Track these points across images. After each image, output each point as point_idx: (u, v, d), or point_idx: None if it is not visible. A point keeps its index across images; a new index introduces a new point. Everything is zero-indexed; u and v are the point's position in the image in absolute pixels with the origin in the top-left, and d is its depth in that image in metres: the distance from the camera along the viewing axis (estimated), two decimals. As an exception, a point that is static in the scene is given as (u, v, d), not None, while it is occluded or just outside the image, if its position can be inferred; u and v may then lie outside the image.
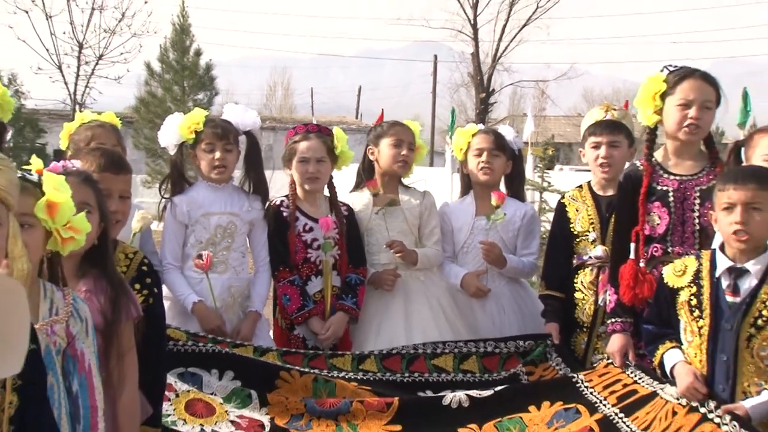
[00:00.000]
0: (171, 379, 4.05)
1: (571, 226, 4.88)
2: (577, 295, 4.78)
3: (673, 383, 3.80)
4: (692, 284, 3.80)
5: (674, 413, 3.75)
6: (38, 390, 2.50)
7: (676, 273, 3.88)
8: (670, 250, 4.16)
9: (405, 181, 5.37)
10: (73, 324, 2.95)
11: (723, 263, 3.74)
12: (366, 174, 5.23)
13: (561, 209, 5.03)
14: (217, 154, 4.76)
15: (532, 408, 4.23)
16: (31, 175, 2.90)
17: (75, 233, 2.88)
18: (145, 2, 30.72)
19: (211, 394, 4.25)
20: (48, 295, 2.90)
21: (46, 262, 2.93)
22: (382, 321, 5.00)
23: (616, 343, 4.21)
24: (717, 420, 3.57)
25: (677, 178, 4.30)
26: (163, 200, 4.92)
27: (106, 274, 3.31)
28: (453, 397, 4.32)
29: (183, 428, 4.00)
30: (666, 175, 4.35)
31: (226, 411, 4.21)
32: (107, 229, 3.37)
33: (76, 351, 2.98)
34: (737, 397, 3.64)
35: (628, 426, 3.88)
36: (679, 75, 4.27)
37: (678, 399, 3.75)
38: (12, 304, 1.70)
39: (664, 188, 4.32)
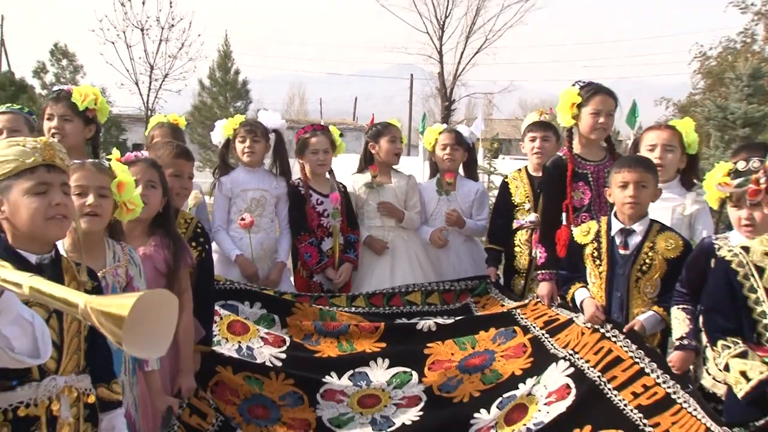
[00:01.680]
0: (216, 307, 4.10)
1: (512, 198, 4.90)
2: (516, 249, 4.81)
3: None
4: (594, 241, 3.87)
5: (582, 333, 3.80)
6: None
7: (583, 233, 3.95)
8: (594, 217, 4.16)
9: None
10: (131, 268, 3.04)
11: (616, 225, 3.81)
12: (366, 162, 5.21)
13: (504, 185, 5.05)
14: (247, 143, 4.86)
15: (481, 330, 4.28)
16: (109, 161, 3.03)
17: (133, 206, 2.99)
18: (198, 35, 30.87)
19: (245, 318, 4.31)
20: (111, 248, 2.99)
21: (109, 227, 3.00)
22: (374, 269, 4.99)
23: (544, 288, 4.24)
24: (613, 339, 3.63)
25: (592, 163, 4.34)
26: (214, 179, 5.01)
27: (169, 233, 3.39)
28: (424, 324, 4.36)
29: (226, 346, 4.05)
30: (584, 162, 4.38)
31: (257, 329, 4.26)
32: (169, 201, 3.44)
33: (134, 287, 3.04)
34: (629, 321, 3.71)
35: (552, 344, 3.93)
36: (591, 91, 4.30)
37: (585, 324, 3.80)
38: (167, 308, 1.74)
39: (584, 171, 4.35)
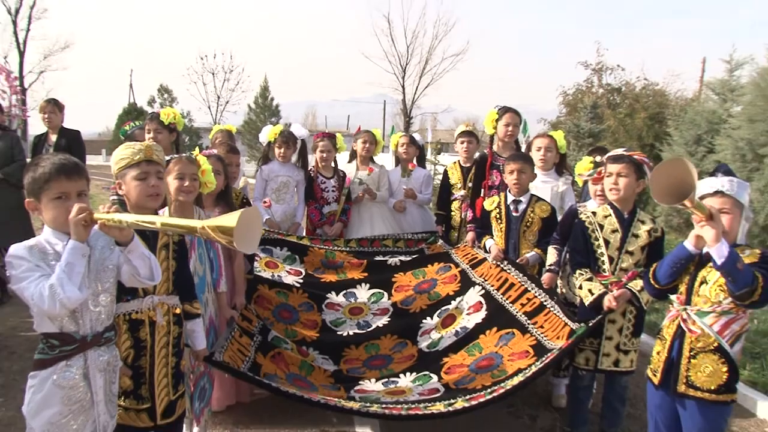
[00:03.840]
0: (257, 250, 4.06)
1: (450, 180, 4.83)
2: (452, 213, 4.75)
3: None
4: (497, 208, 3.84)
5: (490, 267, 3.81)
6: (184, 258, 2.53)
7: (489, 203, 3.92)
8: (500, 193, 4.14)
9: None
10: None
11: (510, 198, 3.80)
12: (352, 157, 5.13)
13: (445, 172, 4.94)
14: (282, 149, 4.73)
15: (429, 266, 4.26)
16: (195, 157, 2.98)
17: (210, 184, 2.95)
18: (248, 76, 31.47)
19: (276, 258, 4.26)
20: (197, 212, 2.92)
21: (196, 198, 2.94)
22: (361, 225, 4.92)
23: (469, 236, 4.22)
24: (508, 270, 3.66)
25: (504, 158, 4.27)
26: (257, 168, 4.91)
27: (228, 204, 3.31)
28: (392, 261, 4.35)
29: (264, 273, 4.01)
30: (499, 157, 4.36)
31: (284, 266, 4.21)
32: (229, 182, 3.38)
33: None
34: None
35: (472, 274, 3.92)
36: (504, 110, 4.36)
37: (492, 261, 3.80)
38: (257, 219, 1.81)
39: (498, 163, 4.32)
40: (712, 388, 2.37)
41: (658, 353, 2.55)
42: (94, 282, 1.98)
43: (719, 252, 2.17)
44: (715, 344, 2.36)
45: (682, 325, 2.44)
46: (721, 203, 2.32)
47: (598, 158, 3.59)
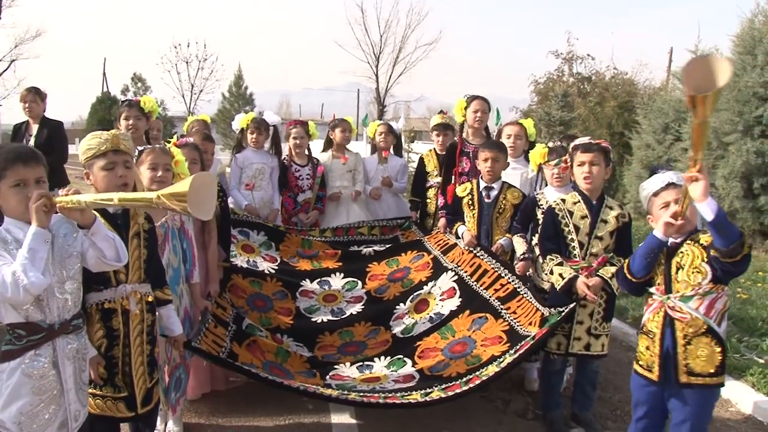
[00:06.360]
0: (234, 232, 4.03)
1: (426, 167, 4.81)
2: (428, 200, 4.72)
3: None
4: (469, 194, 3.85)
5: (462, 253, 3.83)
6: (155, 246, 2.50)
7: (462, 190, 3.92)
8: (470, 180, 4.13)
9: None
10: (183, 215, 2.92)
11: (482, 184, 3.81)
12: (327, 145, 5.07)
13: (421, 159, 4.93)
14: (254, 135, 4.69)
15: (402, 254, 4.27)
16: (168, 144, 2.96)
17: (183, 175, 2.88)
18: (222, 65, 31.24)
19: (253, 242, 4.23)
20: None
21: None
22: (337, 213, 4.87)
23: (441, 222, 4.23)
24: (481, 257, 3.68)
25: (474, 145, 4.31)
26: (232, 156, 4.86)
27: None
28: (366, 251, 4.35)
29: (239, 258, 3.98)
30: (469, 144, 4.37)
31: (260, 251, 4.19)
32: (205, 169, 3.34)
33: (186, 228, 2.97)
34: (492, 246, 3.74)
35: (444, 260, 3.94)
36: (473, 98, 4.37)
37: (464, 247, 3.82)
38: (211, 184, 1.82)
39: (468, 150, 4.33)
40: (711, 371, 2.38)
41: (647, 348, 2.51)
42: (60, 269, 1.96)
43: (710, 206, 2.13)
44: (705, 326, 2.37)
45: (670, 313, 2.42)
46: (675, 193, 2.40)
47: (551, 144, 3.63)
